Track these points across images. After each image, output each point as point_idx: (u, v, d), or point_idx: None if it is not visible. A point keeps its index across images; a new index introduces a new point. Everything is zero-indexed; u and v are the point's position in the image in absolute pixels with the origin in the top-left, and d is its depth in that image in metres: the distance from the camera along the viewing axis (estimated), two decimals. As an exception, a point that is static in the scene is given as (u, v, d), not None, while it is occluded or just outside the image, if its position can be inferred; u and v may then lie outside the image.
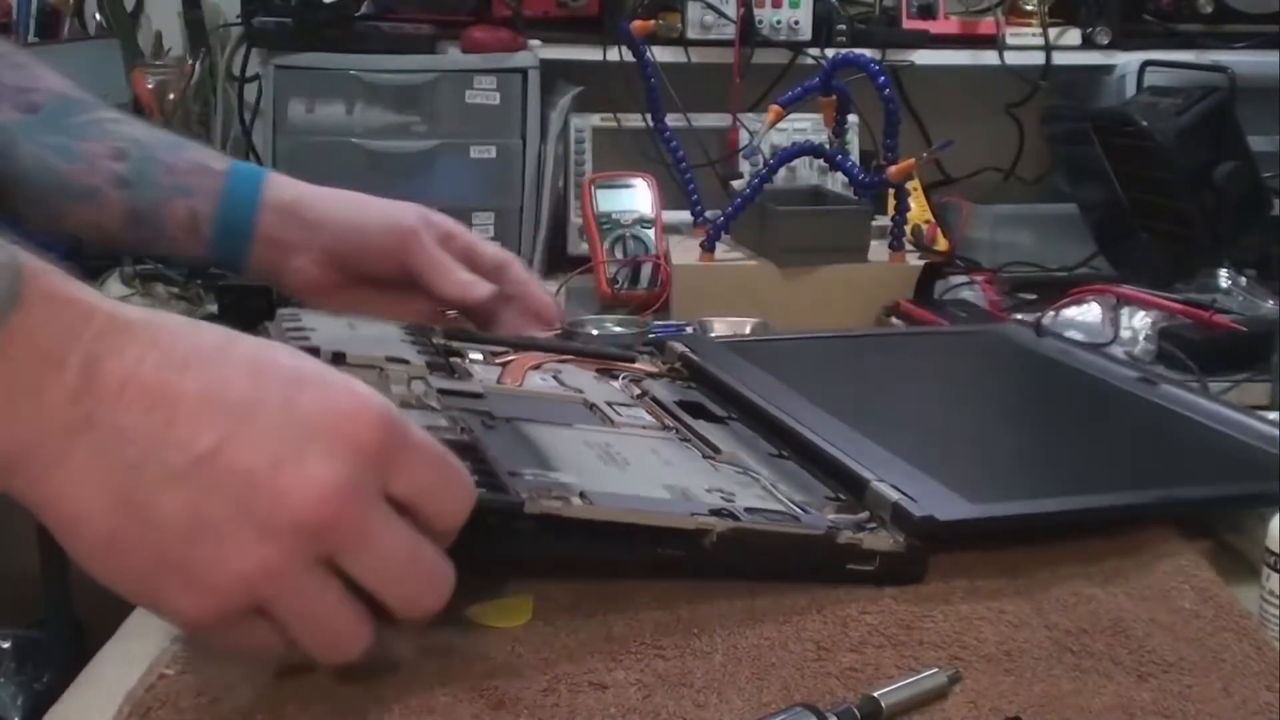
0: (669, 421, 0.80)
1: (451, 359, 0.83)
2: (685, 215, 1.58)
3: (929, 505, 0.70)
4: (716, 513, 0.65)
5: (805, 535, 0.66)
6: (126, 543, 0.44)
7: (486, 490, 0.59)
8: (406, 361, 0.75)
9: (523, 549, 0.62)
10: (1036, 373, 1.06)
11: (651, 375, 0.91)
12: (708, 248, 1.51)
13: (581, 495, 0.62)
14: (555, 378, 0.84)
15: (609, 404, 0.80)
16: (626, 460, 0.71)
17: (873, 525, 0.69)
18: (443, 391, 0.73)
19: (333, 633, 0.48)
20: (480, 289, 0.91)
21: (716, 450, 0.77)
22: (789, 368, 0.96)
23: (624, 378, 0.89)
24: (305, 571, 0.46)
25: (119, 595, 0.47)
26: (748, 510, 0.67)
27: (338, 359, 0.72)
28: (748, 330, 1.47)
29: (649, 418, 0.80)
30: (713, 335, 1.42)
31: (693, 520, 0.63)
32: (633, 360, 0.94)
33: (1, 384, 0.43)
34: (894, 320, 1.49)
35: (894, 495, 0.71)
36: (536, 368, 0.86)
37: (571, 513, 0.61)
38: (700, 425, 0.80)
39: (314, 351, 0.70)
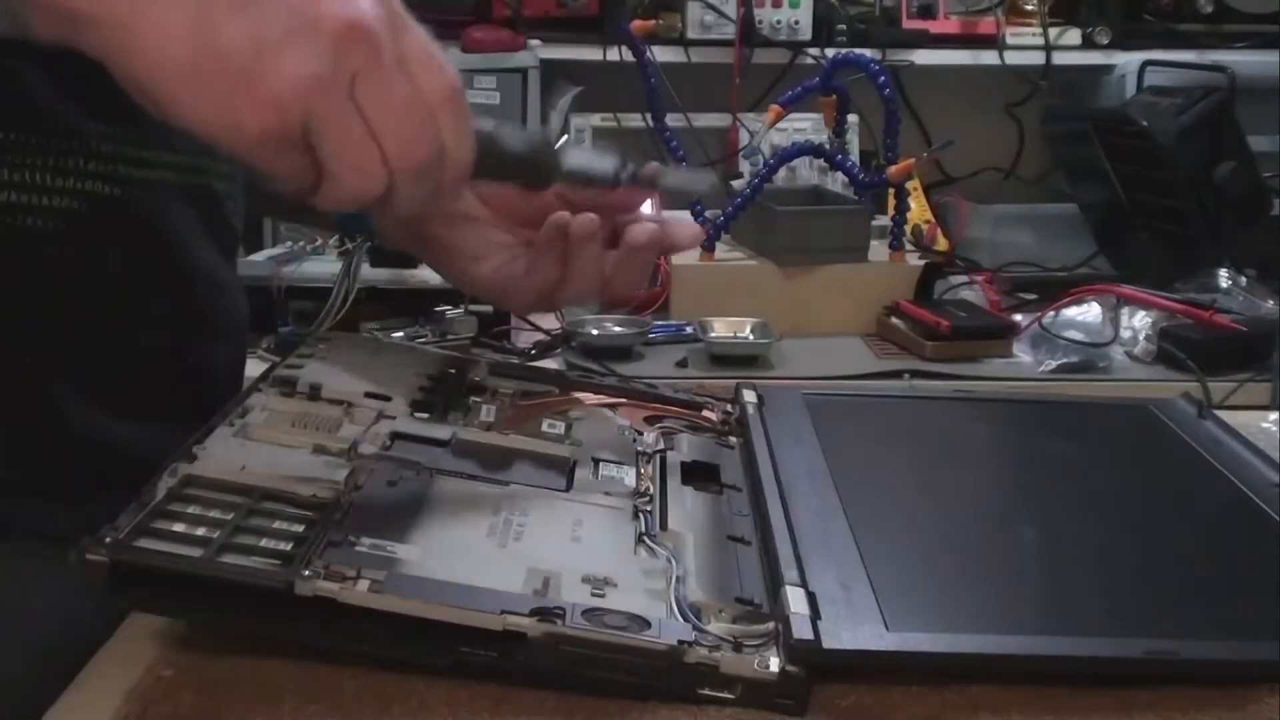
0: (651, 487, 0.70)
1: (472, 398, 0.76)
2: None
3: (831, 625, 0.55)
4: (539, 612, 0.54)
5: (641, 649, 0.54)
6: (205, 69, 0.52)
7: (263, 563, 0.53)
8: (388, 399, 0.70)
9: (301, 634, 0.54)
10: (1170, 466, 0.79)
11: (699, 428, 0.79)
12: (708, 247, 1.51)
13: (373, 580, 0.53)
14: (566, 425, 0.75)
15: (596, 460, 0.71)
16: (521, 534, 0.62)
17: (756, 644, 0.56)
18: (400, 435, 0.68)
19: (358, 160, 0.56)
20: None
21: (664, 528, 0.66)
22: (862, 433, 0.79)
23: (660, 428, 0.78)
24: (343, 94, 0.54)
25: (196, 134, 0.54)
26: (588, 612, 0.55)
27: (314, 390, 0.70)
28: (747, 330, 1.47)
29: (628, 482, 0.70)
30: (714, 336, 1.42)
31: (501, 620, 0.54)
32: (698, 409, 0.81)
33: None
34: (894, 320, 1.49)
35: (795, 607, 0.56)
36: (562, 412, 0.76)
37: (349, 598, 0.52)
38: (685, 493, 0.70)
39: (290, 383, 0.70)
